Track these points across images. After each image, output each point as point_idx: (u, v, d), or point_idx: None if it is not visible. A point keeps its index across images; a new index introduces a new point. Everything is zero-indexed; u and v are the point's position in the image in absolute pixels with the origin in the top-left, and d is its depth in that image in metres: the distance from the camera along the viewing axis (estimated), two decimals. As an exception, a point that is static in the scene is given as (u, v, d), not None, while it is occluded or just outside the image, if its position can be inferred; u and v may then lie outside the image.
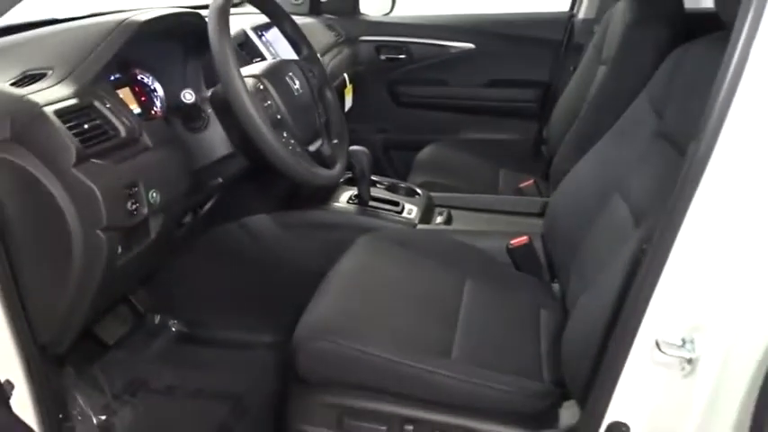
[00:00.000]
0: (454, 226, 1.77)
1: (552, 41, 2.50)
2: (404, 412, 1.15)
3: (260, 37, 1.62)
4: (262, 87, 1.18)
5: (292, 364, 1.17)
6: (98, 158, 1.02)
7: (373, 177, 1.91)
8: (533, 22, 2.62)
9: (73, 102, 1.03)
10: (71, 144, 0.96)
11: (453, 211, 1.84)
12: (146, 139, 1.14)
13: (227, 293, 1.81)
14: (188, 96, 1.14)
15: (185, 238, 1.50)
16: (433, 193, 1.93)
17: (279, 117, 1.19)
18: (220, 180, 1.32)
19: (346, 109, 2.46)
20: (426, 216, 1.78)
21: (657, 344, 0.79)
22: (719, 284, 0.75)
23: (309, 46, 1.42)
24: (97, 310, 1.18)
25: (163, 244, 1.24)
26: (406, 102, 2.64)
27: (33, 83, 1.05)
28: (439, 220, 1.79)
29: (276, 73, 1.25)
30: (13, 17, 1.21)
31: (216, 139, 1.25)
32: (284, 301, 1.51)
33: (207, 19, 1.13)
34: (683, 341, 0.78)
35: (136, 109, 1.23)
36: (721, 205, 0.74)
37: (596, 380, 0.91)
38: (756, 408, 0.69)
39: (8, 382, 1.03)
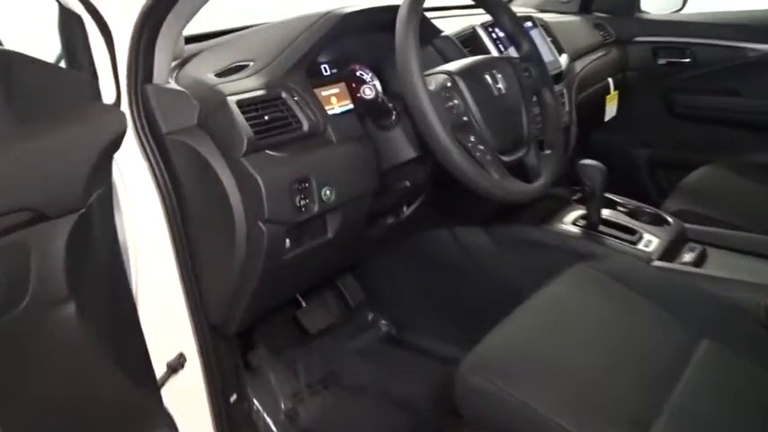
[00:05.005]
0: (705, 269, 1.42)
1: None
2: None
3: (490, 34, 1.49)
4: (450, 85, 1.06)
5: (451, 392, 1.05)
6: (273, 150, 1.02)
7: (615, 198, 1.65)
8: None
9: (260, 93, 1.04)
10: (243, 134, 0.98)
11: (710, 250, 1.48)
12: (330, 135, 1.11)
13: (435, 301, 1.73)
14: (368, 92, 1.08)
15: (385, 239, 1.46)
16: (689, 225, 1.58)
17: (465, 119, 1.06)
18: (407, 184, 1.24)
19: (608, 117, 2.19)
20: (670, 252, 1.46)
21: None
22: None
23: (530, 42, 1.25)
24: (273, 298, 1.20)
25: (346, 243, 1.21)
26: (682, 113, 2.23)
27: (235, 73, 1.10)
28: (686, 258, 1.45)
29: (475, 70, 1.11)
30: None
31: (404, 138, 1.17)
32: (486, 319, 1.40)
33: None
34: None
35: (348, 104, 1.22)
36: None
37: None
38: None
39: (181, 354, 1.10)
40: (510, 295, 1.31)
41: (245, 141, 0.97)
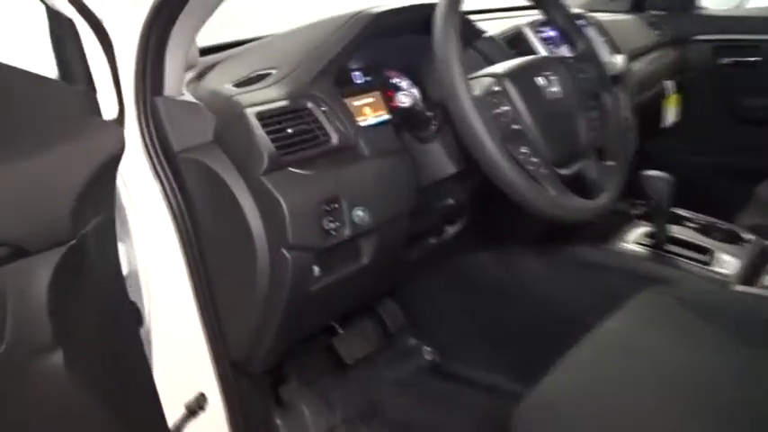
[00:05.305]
0: (795, 293, 1.24)
1: None
2: None
3: (537, 33, 1.35)
4: (497, 89, 0.92)
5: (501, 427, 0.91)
6: (297, 167, 0.91)
7: (683, 213, 1.49)
8: None
9: (282, 104, 0.93)
10: (263, 149, 0.86)
11: (799, 271, 1.30)
12: (362, 149, 0.99)
13: (481, 326, 1.59)
14: (404, 100, 0.95)
15: (426, 261, 1.33)
16: (770, 242, 1.41)
17: (516, 127, 0.92)
18: (450, 201, 1.11)
19: (668, 123, 2.02)
20: (751, 274, 1.29)
21: None
22: None
23: (585, 40, 1.10)
24: (302, 331, 1.08)
25: (383, 267, 1.09)
26: (748, 117, 2.04)
27: (256, 83, 0.99)
28: (771, 280, 1.28)
29: (525, 72, 0.98)
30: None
31: (445, 151, 1.04)
32: (540, 348, 1.23)
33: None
34: None
35: (383, 115, 1.10)
36: None
37: None
38: None
39: (202, 395, 0.99)
40: (565, 323, 1.19)
41: (266, 158, 0.86)
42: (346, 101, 1.05)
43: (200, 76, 1.07)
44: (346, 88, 1.07)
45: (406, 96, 0.94)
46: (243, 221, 0.87)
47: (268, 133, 0.88)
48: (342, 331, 1.51)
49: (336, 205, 0.92)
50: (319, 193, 0.90)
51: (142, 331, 0.93)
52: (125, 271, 0.90)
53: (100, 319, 0.71)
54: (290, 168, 0.90)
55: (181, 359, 0.96)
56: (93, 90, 0.73)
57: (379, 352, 1.60)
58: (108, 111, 0.79)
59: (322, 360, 1.47)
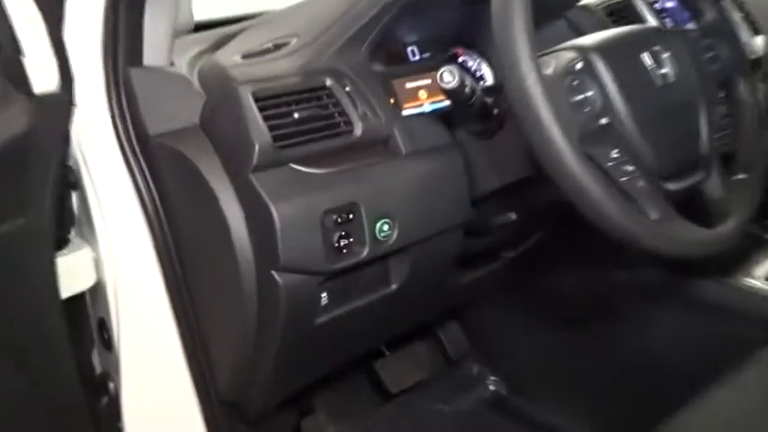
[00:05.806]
0: None
1: None
2: None
3: (651, 4, 1.06)
4: (580, 67, 0.66)
5: None
6: (302, 164, 0.69)
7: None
8: None
9: (291, 81, 0.72)
10: (255, 139, 0.65)
11: None
12: (397, 143, 0.76)
13: (557, 361, 1.33)
14: (447, 79, 0.70)
15: (490, 283, 1.09)
16: None
17: (605, 121, 0.66)
18: (513, 217, 0.85)
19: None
20: None
21: None
22: None
23: (718, 8, 0.81)
24: (310, 371, 0.87)
25: (422, 295, 0.86)
26: None
27: (268, 54, 0.78)
28: None
29: (623, 45, 0.70)
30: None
31: (509, 150, 0.79)
32: (635, 401, 1.10)
33: None
34: None
35: (444, 101, 0.87)
36: None
37: None
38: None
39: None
40: (670, 374, 1.04)
41: (256, 150, 0.65)
42: (397, 82, 0.83)
43: (217, 46, 0.87)
44: (398, 67, 0.86)
45: (451, 75, 0.70)
46: (225, 232, 0.67)
47: (266, 118, 0.67)
48: (388, 353, 1.30)
49: (351, 215, 0.70)
50: (329, 198, 0.68)
51: (111, 357, 0.76)
52: (91, 282, 0.73)
53: (9, 361, 0.53)
54: (293, 165, 0.69)
55: (157, 392, 0.78)
56: (17, 53, 0.55)
57: (434, 380, 1.37)
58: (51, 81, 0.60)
59: (359, 387, 1.27)
